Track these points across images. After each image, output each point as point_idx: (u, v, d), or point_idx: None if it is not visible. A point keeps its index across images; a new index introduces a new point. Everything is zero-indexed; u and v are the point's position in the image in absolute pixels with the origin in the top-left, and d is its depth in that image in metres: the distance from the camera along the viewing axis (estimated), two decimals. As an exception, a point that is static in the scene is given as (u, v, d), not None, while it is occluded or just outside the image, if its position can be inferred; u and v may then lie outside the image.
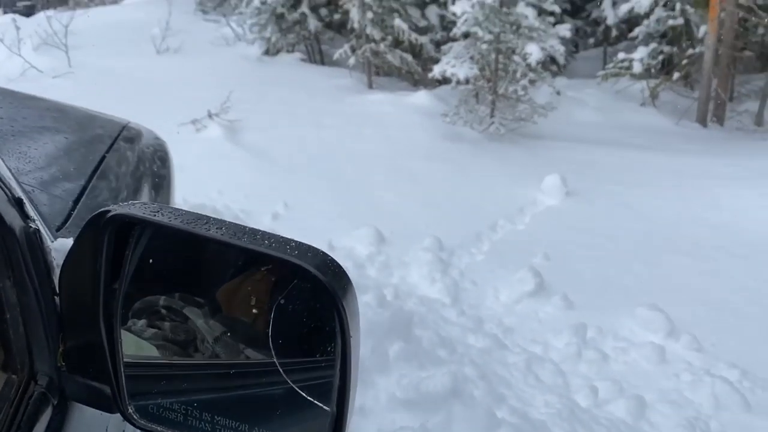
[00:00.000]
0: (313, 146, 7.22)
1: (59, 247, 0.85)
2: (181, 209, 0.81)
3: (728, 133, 9.25)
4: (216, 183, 5.81)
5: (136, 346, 0.84)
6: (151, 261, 0.85)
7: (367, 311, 3.17)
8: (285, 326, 0.80)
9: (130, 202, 0.87)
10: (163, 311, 0.86)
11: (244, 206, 5.38)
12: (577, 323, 3.89)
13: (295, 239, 0.76)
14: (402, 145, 7.44)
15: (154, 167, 1.89)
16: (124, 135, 1.90)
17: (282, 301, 0.81)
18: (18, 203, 0.81)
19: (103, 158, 1.66)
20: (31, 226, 0.80)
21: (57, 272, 0.81)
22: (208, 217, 0.78)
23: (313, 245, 0.76)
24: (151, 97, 8.92)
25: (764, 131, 9.00)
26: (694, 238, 5.26)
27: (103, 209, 0.78)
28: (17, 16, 13.44)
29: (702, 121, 9.42)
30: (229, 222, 0.78)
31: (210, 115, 7.31)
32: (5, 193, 0.79)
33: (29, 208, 0.84)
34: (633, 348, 3.77)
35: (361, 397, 2.52)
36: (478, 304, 4.19)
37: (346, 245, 4.79)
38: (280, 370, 0.78)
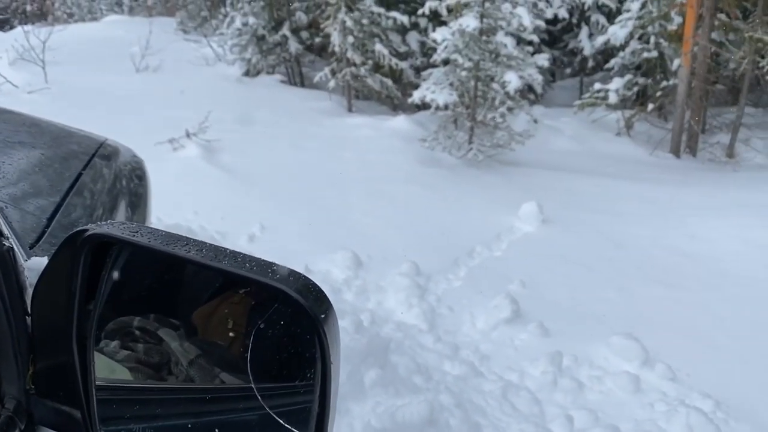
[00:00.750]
0: (291, 168, 7.19)
1: (33, 266, 0.83)
2: (161, 230, 0.79)
3: (701, 163, 9.44)
4: (192, 203, 5.72)
5: (108, 368, 0.82)
6: (125, 281, 0.82)
7: (344, 336, 3.10)
8: (263, 350, 0.79)
9: (108, 221, 0.85)
10: (137, 332, 0.84)
11: (219, 227, 5.31)
12: (552, 351, 3.87)
13: (277, 262, 0.75)
14: (381, 168, 7.45)
15: (131, 185, 1.87)
16: (101, 152, 1.87)
17: (262, 325, 0.79)
18: None
19: (79, 175, 1.63)
20: (4, 244, 0.78)
21: (30, 292, 0.78)
22: (188, 239, 0.77)
23: (295, 269, 0.75)
24: (129, 115, 8.83)
25: (735, 163, 9.20)
26: (668, 267, 5.31)
27: (80, 228, 0.76)
28: (-6, 31, 13.32)
29: (675, 151, 9.60)
30: (209, 243, 0.76)
31: (188, 135, 7.25)
32: None
33: (2, 225, 0.82)
34: (608, 377, 3.76)
35: (335, 425, 2.47)
36: (455, 330, 4.16)
37: (322, 269, 4.74)
38: (257, 395, 0.77)
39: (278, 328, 0.79)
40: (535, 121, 9.24)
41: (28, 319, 0.78)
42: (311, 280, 0.75)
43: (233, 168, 6.86)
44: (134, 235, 0.77)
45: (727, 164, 9.14)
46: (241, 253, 0.76)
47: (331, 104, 10.89)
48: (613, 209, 6.50)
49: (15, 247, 0.80)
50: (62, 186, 1.54)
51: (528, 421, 3.29)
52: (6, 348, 0.75)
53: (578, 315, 4.45)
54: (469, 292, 4.67)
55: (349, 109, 10.83)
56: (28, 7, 29.19)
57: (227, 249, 0.76)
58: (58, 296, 0.76)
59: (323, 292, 0.75)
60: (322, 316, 0.71)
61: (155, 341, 0.83)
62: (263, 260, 0.75)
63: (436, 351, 3.80)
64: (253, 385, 0.77)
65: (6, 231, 0.81)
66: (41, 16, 30.07)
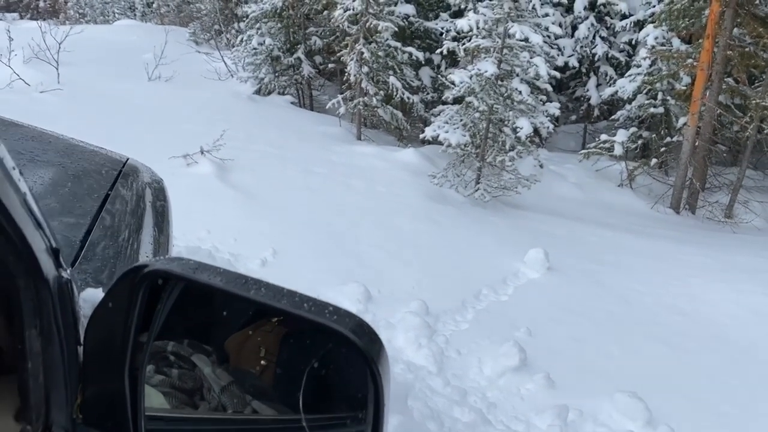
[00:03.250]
0: (301, 192, 7.25)
1: (87, 297, 0.85)
2: (219, 267, 0.80)
3: (700, 221, 9.61)
4: (205, 221, 5.76)
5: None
6: (173, 312, 0.83)
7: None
8: (313, 387, 0.80)
9: (167, 257, 0.91)
10: (171, 357, 0.85)
11: (233, 249, 5.35)
12: (559, 404, 3.92)
13: (332, 303, 0.77)
14: (389, 201, 7.53)
15: (156, 204, 1.90)
16: (125, 172, 1.91)
17: (315, 365, 0.81)
18: (54, 253, 0.80)
19: (107, 196, 1.65)
20: (63, 276, 0.80)
21: (83, 322, 0.80)
22: (247, 277, 0.79)
23: (348, 309, 0.77)
24: (142, 125, 8.88)
25: (734, 224, 9.37)
26: (670, 325, 5.40)
27: (139, 264, 0.78)
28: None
29: (676, 207, 9.78)
30: (268, 282, 0.78)
31: (202, 152, 7.29)
32: (44, 242, 0.78)
33: (62, 258, 0.83)
34: (612, 434, 3.81)
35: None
36: (462, 374, 4.20)
37: (333, 300, 4.73)
38: (305, 426, 0.79)
39: (331, 367, 0.82)
40: (541, 166, 9.41)
41: (80, 349, 0.79)
42: (365, 321, 0.77)
43: (246, 188, 6.91)
44: (195, 273, 0.78)
45: (725, 224, 9.32)
46: (298, 293, 0.77)
47: (340, 130, 11.00)
48: (616, 262, 6.60)
49: (72, 279, 0.82)
50: (92, 206, 1.57)
51: (535, 474, 3.33)
52: (57, 377, 0.76)
53: (583, 368, 4.51)
54: (476, 336, 4.71)
55: (358, 137, 10.95)
56: (41, 3, 29.33)
57: (284, 288, 0.77)
58: (113, 328, 0.78)
59: (376, 333, 0.77)
60: (376, 355, 0.73)
61: (189, 367, 0.84)
62: (319, 301, 0.77)
63: (446, 396, 3.83)
64: (303, 418, 0.79)
65: (64, 263, 0.83)
66: (53, 13, 30.24)
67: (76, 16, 27.65)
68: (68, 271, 0.82)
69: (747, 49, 9.17)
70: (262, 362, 0.84)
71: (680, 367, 4.73)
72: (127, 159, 2.01)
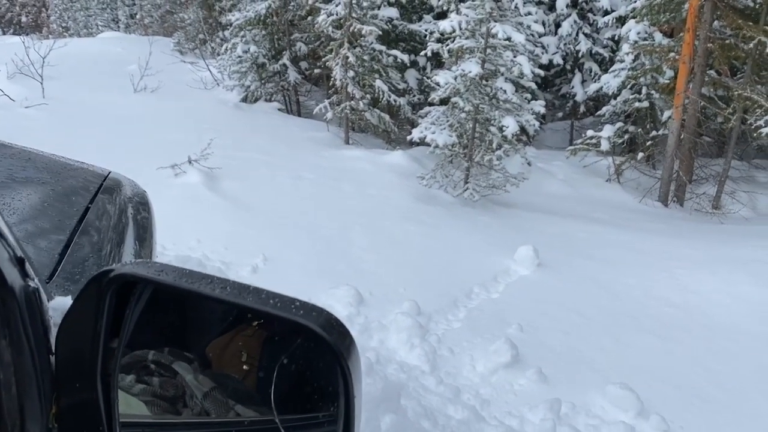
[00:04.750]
0: (291, 198, 7.27)
1: (57, 306, 0.84)
2: (184, 268, 0.81)
3: (688, 213, 9.70)
4: (195, 231, 5.78)
5: (124, 402, 0.83)
6: (147, 318, 0.84)
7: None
8: (286, 384, 0.80)
9: (133, 261, 0.88)
10: (152, 366, 0.85)
11: (223, 257, 5.37)
12: (551, 398, 3.95)
13: (299, 298, 0.75)
14: (379, 203, 7.56)
15: (138, 218, 1.88)
16: (106, 185, 1.90)
17: (285, 360, 0.80)
18: (19, 262, 0.79)
19: (86, 210, 1.65)
20: (30, 285, 0.79)
21: (54, 331, 0.79)
22: (212, 277, 0.78)
23: (317, 305, 0.76)
24: (129, 136, 8.87)
25: (721, 215, 9.46)
26: (660, 318, 5.45)
27: (105, 269, 0.77)
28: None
29: (664, 200, 9.87)
30: (233, 281, 0.77)
31: (190, 161, 7.30)
32: (7, 251, 0.78)
33: (29, 267, 0.82)
34: (605, 426, 3.84)
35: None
36: (456, 372, 4.23)
37: (325, 304, 4.79)
38: (280, 427, 0.78)
39: (301, 363, 0.81)
40: (529, 164, 9.46)
41: (52, 359, 0.78)
42: (334, 316, 0.76)
43: (235, 196, 6.92)
44: (159, 275, 0.77)
45: (713, 215, 9.40)
46: (264, 290, 0.76)
47: (328, 135, 11.04)
48: (606, 257, 6.66)
49: (40, 288, 0.81)
50: (70, 221, 1.57)
51: (529, 467, 3.36)
52: (30, 387, 0.75)
53: (575, 362, 4.55)
54: (468, 334, 4.75)
55: (347, 141, 10.98)
56: (24, 18, 29.20)
57: (250, 286, 0.76)
58: (83, 335, 0.77)
59: (346, 327, 0.76)
60: (346, 351, 0.72)
61: (170, 374, 0.84)
62: (286, 296, 0.76)
63: (439, 394, 3.86)
64: (276, 418, 0.78)
65: (32, 272, 0.82)
66: (36, 27, 30.10)
67: (59, 29, 27.57)
68: (35, 281, 0.81)
69: (728, 41, 9.28)
70: (244, 367, 0.84)
71: (670, 357, 4.78)
72: (109, 172, 2.00)
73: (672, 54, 9.77)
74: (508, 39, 7.68)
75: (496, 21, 7.84)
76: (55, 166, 1.95)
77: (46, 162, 1.96)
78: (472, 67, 7.82)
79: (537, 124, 8.50)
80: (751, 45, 8.56)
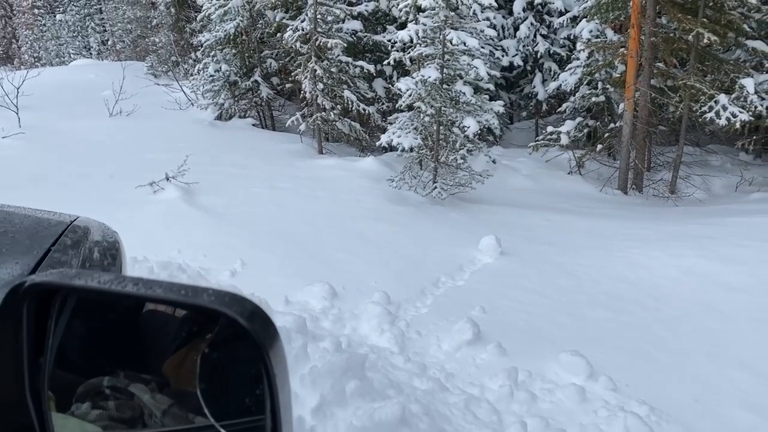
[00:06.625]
0: (267, 207, 7.64)
1: None
2: (100, 272, 0.81)
3: (646, 199, 10.21)
4: (175, 242, 6.13)
5: (80, 430, 0.82)
6: (90, 339, 0.85)
7: (324, 355, 3.56)
8: (214, 382, 0.79)
9: (49, 270, 0.87)
10: (108, 391, 0.83)
11: (203, 264, 5.71)
12: (509, 368, 4.35)
13: (214, 287, 0.75)
14: (352, 207, 7.96)
15: (104, 264, 1.74)
16: (69, 231, 1.75)
17: (206, 350, 0.78)
18: None
19: (44, 256, 1.50)
20: None
21: None
22: (125, 276, 0.78)
23: (239, 294, 0.74)
24: (106, 160, 9.19)
25: (677, 198, 9.97)
26: (614, 293, 5.88)
27: (19, 281, 0.75)
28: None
29: (623, 188, 10.37)
30: (146, 278, 0.75)
31: (167, 178, 7.64)
32: None
33: None
34: (558, 389, 4.25)
35: (322, 427, 2.89)
36: (423, 352, 4.62)
37: (301, 300, 5.18)
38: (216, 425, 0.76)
39: (225, 358, 0.79)
40: (494, 162, 9.92)
41: None
42: (256, 305, 0.72)
43: (212, 208, 7.27)
44: (72, 279, 0.76)
45: (669, 199, 9.92)
46: (177, 283, 0.74)
47: (302, 146, 11.43)
48: (565, 242, 7.10)
49: None
50: (24, 269, 1.42)
51: (487, 427, 3.74)
52: None
53: (533, 336, 4.96)
54: (435, 318, 5.14)
55: (320, 151, 11.37)
56: (-6, 51, 29.27)
57: (163, 281, 0.74)
58: (5, 353, 0.74)
59: (269, 317, 0.71)
60: (269, 342, 0.68)
61: (127, 397, 0.83)
62: (200, 287, 0.74)
63: (407, 370, 4.25)
64: (216, 424, 0.76)
65: None
66: (7, 59, 30.19)
67: (31, 60, 27.69)
68: None
69: (671, 35, 9.83)
70: None
71: (621, 328, 5.21)
72: (71, 221, 1.86)
73: (622, 49, 10.31)
74: (464, 44, 8.13)
75: (452, 28, 8.30)
76: (10, 217, 1.82)
77: (6, 215, 1.83)
78: (431, 72, 8.26)
79: (497, 122, 8.95)
80: (690, 37, 9.11)
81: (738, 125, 9.00)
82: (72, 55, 27.18)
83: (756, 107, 9.08)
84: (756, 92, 9.11)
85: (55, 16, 29.87)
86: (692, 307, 5.48)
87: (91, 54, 27.03)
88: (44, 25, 30.24)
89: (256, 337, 0.68)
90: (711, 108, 8.84)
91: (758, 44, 9.89)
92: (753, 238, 6.59)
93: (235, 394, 0.78)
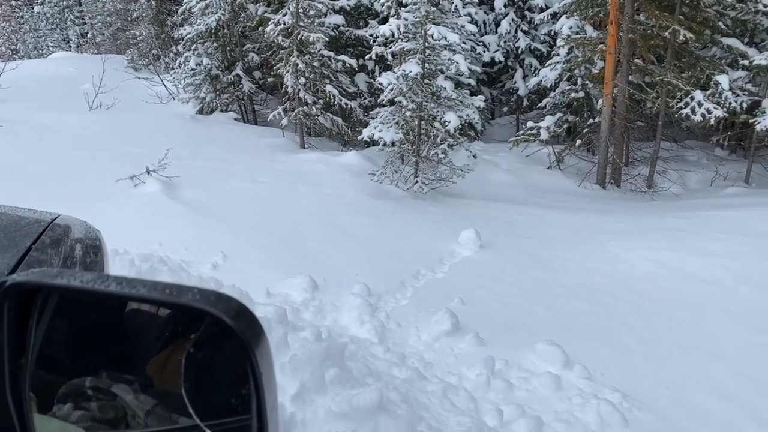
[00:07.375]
0: (249, 201, 7.66)
1: None
2: (82, 271, 0.84)
3: (624, 193, 10.38)
4: (156, 235, 6.13)
5: (62, 431, 0.82)
6: (73, 340, 0.84)
7: (304, 344, 3.62)
8: (199, 383, 0.78)
9: (30, 270, 0.85)
10: (90, 392, 0.82)
11: (184, 257, 5.73)
12: (487, 357, 4.44)
13: (199, 286, 0.74)
14: (333, 201, 8.01)
15: (87, 261, 1.71)
16: (50, 230, 1.72)
17: (191, 350, 0.77)
18: None
19: (24, 254, 1.49)
20: None
21: None
22: (108, 276, 0.77)
23: (224, 293, 0.73)
24: (87, 153, 9.14)
25: (654, 192, 10.15)
26: (590, 285, 6.00)
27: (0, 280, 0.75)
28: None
29: (601, 183, 10.53)
30: (130, 277, 0.75)
31: (148, 171, 7.63)
32: None
33: None
34: (534, 377, 4.34)
35: (301, 413, 2.95)
36: (402, 342, 4.70)
37: (282, 292, 5.22)
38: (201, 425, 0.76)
39: (208, 356, 0.77)
40: (475, 156, 10.02)
41: None
42: (242, 303, 0.71)
43: (194, 202, 7.28)
44: (54, 279, 0.75)
45: (646, 193, 10.09)
46: (161, 282, 0.73)
47: (284, 141, 11.44)
48: (543, 236, 7.22)
49: None
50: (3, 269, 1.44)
51: (465, 414, 3.83)
52: None
53: (510, 327, 5.06)
54: (414, 310, 5.22)
55: (302, 146, 11.39)
56: (-30, 43, 28.81)
57: (147, 280, 0.74)
58: None
59: (255, 315, 0.71)
60: (254, 340, 0.68)
61: (109, 398, 0.82)
62: (185, 285, 0.73)
63: (386, 359, 4.32)
64: (201, 424, 0.76)
65: None
66: (-16, 52, 29.72)
67: (8, 52, 27.29)
68: None
69: (648, 32, 9.99)
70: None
71: (596, 319, 5.33)
72: (52, 220, 1.82)
73: (601, 46, 10.45)
74: (445, 39, 8.20)
75: (433, 23, 8.37)
76: None
77: None
78: (412, 67, 8.33)
79: (478, 117, 9.04)
80: (667, 34, 9.27)
81: (713, 121, 9.19)
82: (51, 48, 26.84)
83: (731, 104, 9.28)
84: (731, 89, 9.31)
85: (33, 8, 29.49)
86: (666, 298, 5.62)
87: (70, 47, 26.71)
88: (22, 17, 29.87)
89: (242, 336, 0.68)
90: (687, 104, 9.02)
91: (733, 42, 10.10)
92: (725, 232, 6.76)
93: (221, 393, 0.77)
